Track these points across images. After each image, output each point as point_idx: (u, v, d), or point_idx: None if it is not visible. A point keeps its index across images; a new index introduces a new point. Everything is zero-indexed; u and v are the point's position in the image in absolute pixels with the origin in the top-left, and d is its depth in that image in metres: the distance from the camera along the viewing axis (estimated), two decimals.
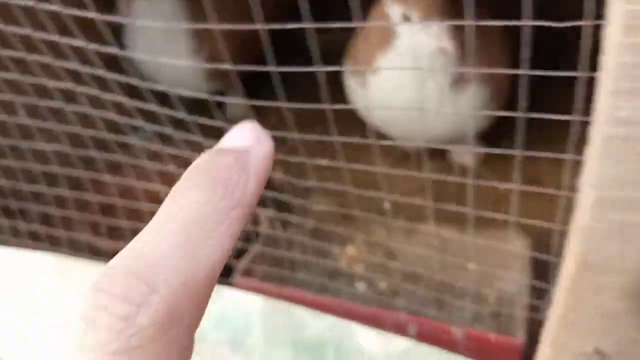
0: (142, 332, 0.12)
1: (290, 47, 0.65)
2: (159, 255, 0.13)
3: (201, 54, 0.83)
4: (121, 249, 0.14)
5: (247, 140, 0.17)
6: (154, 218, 0.15)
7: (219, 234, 0.14)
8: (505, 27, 0.37)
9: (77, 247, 0.64)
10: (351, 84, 0.74)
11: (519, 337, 0.49)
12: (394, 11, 0.63)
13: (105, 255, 0.63)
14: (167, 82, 0.79)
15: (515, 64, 0.35)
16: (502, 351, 0.49)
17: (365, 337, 0.40)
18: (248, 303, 0.42)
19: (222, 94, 0.96)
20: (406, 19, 0.61)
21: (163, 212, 0.15)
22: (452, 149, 0.87)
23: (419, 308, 0.55)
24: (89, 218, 0.63)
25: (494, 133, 0.81)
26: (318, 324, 0.41)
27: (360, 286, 0.65)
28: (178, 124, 0.50)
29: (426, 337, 0.48)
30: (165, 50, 0.79)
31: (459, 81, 0.67)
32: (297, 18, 0.36)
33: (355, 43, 0.73)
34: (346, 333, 0.40)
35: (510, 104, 0.73)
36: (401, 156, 0.89)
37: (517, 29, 0.32)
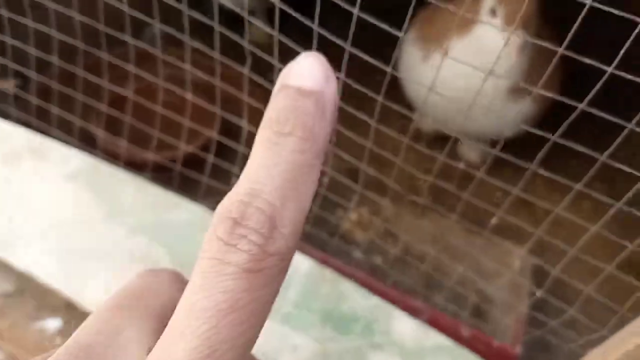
0: (269, 258, 0.15)
1: None
2: (277, 197, 0.15)
3: None
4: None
5: (318, 77, 0.17)
6: (260, 155, 0.16)
7: (311, 180, 0.16)
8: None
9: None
10: (412, 53, 0.71)
11: (516, 348, 0.51)
12: (488, 1, 0.61)
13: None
14: None
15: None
16: (499, 358, 0.51)
17: (402, 323, 0.40)
18: (294, 262, 0.41)
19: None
20: (492, 13, 0.60)
21: (268, 152, 0.16)
22: (465, 143, 0.87)
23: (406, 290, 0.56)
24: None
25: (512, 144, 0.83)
26: (360, 301, 0.41)
27: (357, 254, 0.65)
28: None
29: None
30: None
31: (516, 91, 0.67)
32: None
33: (429, 14, 0.71)
34: (383, 315, 0.40)
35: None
36: (414, 135, 0.88)
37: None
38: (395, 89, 0.76)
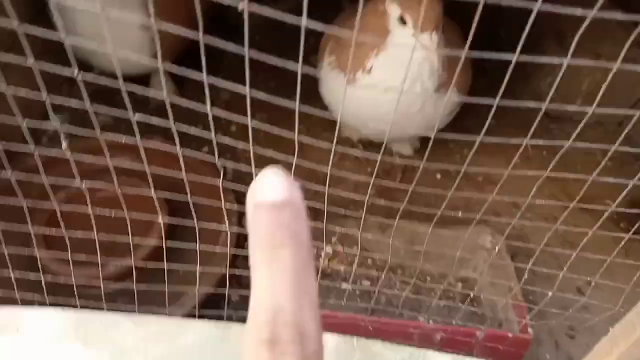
0: (311, 357, 0.17)
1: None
2: (295, 307, 0.17)
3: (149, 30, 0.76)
4: None
5: (285, 189, 0.19)
6: (265, 275, 0.18)
7: (311, 274, 0.18)
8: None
9: None
10: (335, 78, 0.72)
11: (529, 333, 0.54)
12: (393, 11, 0.62)
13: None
14: (106, 61, 0.71)
15: None
16: (516, 346, 0.53)
17: None
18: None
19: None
20: (402, 22, 0.61)
21: (273, 267, 0.18)
22: (397, 142, 0.90)
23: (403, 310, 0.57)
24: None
25: None
26: (394, 356, 0.40)
27: (345, 286, 0.65)
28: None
29: (451, 342, 0.50)
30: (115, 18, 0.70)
31: (441, 86, 0.69)
32: None
33: (336, 37, 0.71)
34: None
35: None
36: (345, 150, 0.90)
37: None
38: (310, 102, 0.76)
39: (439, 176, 0.92)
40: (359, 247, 0.63)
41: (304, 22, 0.27)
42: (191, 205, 0.45)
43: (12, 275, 0.47)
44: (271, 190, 0.19)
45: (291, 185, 0.19)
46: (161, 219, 0.48)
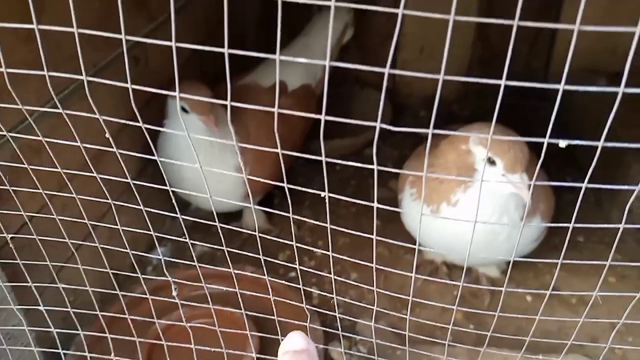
0: None
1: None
2: None
3: (245, 169, 0.84)
4: None
5: (304, 342, 0.29)
6: None
7: None
8: None
9: None
10: (416, 208, 0.75)
11: None
12: (479, 152, 0.67)
13: None
14: (203, 198, 0.79)
15: None
16: None
17: None
18: None
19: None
20: (490, 162, 0.65)
21: None
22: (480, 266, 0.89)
23: None
24: None
25: None
26: None
27: None
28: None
29: None
30: (212, 164, 0.78)
31: (527, 216, 0.72)
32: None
33: (417, 165, 0.76)
34: None
35: None
36: (430, 271, 0.90)
37: None
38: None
39: (529, 298, 0.89)
40: None
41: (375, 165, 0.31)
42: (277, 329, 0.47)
43: None
44: (294, 342, 0.29)
45: (307, 340, 0.29)
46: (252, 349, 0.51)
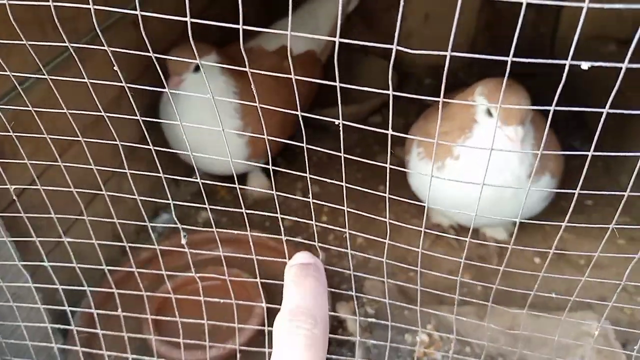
0: (317, 334, 0.26)
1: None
2: (313, 306, 0.28)
3: (246, 131, 0.84)
4: None
5: (309, 257, 0.30)
6: (295, 290, 0.28)
7: (325, 297, 0.29)
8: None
9: None
10: (424, 168, 0.74)
11: None
12: (480, 102, 0.65)
13: None
14: (206, 159, 0.79)
15: None
16: None
17: None
18: None
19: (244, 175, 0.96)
20: (489, 113, 0.64)
21: (300, 287, 0.29)
22: (487, 228, 0.88)
23: None
24: None
25: None
26: None
27: None
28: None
29: None
30: (211, 125, 0.78)
31: (536, 174, 0.71)
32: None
33: (424, 125, 0.75)
34: None
35: None
36: (436, 235, 0.90)
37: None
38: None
39: (537, 260, 0.89)
40: (455, 333, 0.62)
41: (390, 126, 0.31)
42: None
43: (129, 357, 0.51)
44: (301, 258, 0.30)
45: (312, 256, 0.30)
46: (262, 303, 0.51)
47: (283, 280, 0.48)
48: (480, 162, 0.67)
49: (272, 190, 1.00)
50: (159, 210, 0.93)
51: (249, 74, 0.31)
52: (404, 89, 1.23)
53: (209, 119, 0.78)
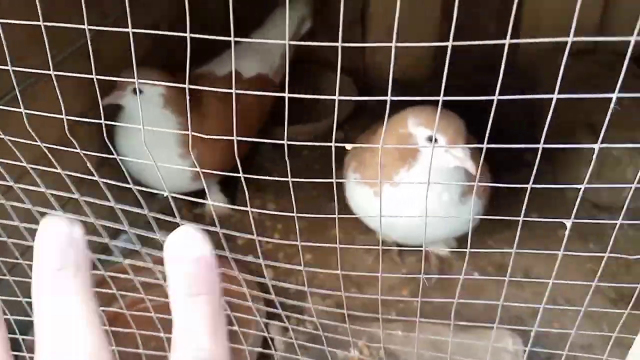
0: None
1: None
2: (213, 345, 0.22)
3: (188, 158, 0.87)
4: None
5: (200, 246, 0.23)
6: (185, 314, 0.22)
7: (223, 319, 0.23)
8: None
9: None
10: (360, 191, 0.79)
11: None
12: (420, 132, 0.71)
13: None
14: (152, 182, 0.82)
15: None
16: None
17: None
18: None
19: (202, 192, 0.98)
20: (430, 140, 0.70)
21: (192, 311, 0.22)
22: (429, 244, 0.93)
23: None
24: None
25: None
26: None
27: None
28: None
29: None
30: (156, 152, 0.81)
31: (465, 194, 0.77)
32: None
33: (362, 152, 0.79)
34: None
35: None
36: (383, 251, 0.94)
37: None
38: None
39: (476, 274, 0.94)
40: (383, 347, 0.66)
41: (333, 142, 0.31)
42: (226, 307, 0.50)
43: None
44: (188, 246, 0.22)
45: (204, 241, 0.23)
46: None
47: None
48: (421, 188, 0.72)
49: (230, 207, 1.04)
50: (119, 232, 0.95)
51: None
52: (367, 103, 1.24)
53: (150, 141, 0.81)
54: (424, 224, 0.74)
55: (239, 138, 0.32)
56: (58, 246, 0.23)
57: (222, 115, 0.88)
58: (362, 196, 0.80)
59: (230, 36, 0.28)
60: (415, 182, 0.72)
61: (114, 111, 0.88)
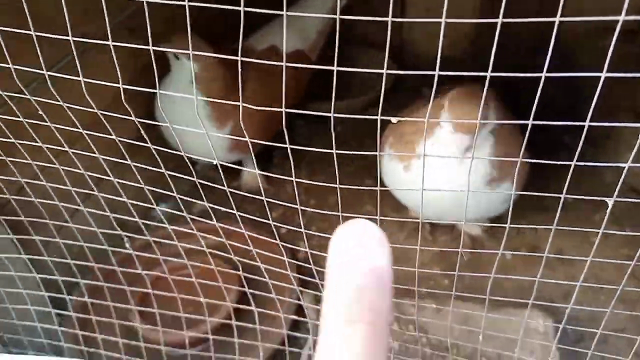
0: None
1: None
2: None
3: (225, 127, 0.88)
4: None
5: (376, 257, 0.17)
6: (336, 345, 0.16)
7: (384, 353, 0.17)
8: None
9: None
10: (392, 167, 0.79)
11: None
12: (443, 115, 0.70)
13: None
14: (193, 148, 0.84)
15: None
16: None
17: None
18: None
19: (239, 163, 1.00)
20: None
21: (345, 343, 0.16)
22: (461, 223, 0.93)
23: None
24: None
25: None
26: None
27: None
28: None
29: None
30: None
31: (494, 180, 0.75)
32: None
33: (396, 128, 0.79)
34: None
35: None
36: (413, 228, 0.95)
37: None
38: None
39: (508, 256, 0.94)
40: (417, 327, 0.67)
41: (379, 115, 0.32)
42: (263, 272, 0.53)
43: (119, 341, 0.57)
44: (363, 254, 0.17)
45: (381, 242, 0.17)
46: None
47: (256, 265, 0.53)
48: (438, 163, 0.72)
49: (264, 182, 1.06)
50: (157, 201, 0.98)
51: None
52: (405, 81, 1.20)
53: (187, 109, 0.84)
54: (452, 200, 0.75)
55: (286, 110, 0.34)
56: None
57: (258, 91, 0.89)
58: (394, 171, 0.80)
59: (273, 10, 0.29)
60: (437, 156, 0.71)
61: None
